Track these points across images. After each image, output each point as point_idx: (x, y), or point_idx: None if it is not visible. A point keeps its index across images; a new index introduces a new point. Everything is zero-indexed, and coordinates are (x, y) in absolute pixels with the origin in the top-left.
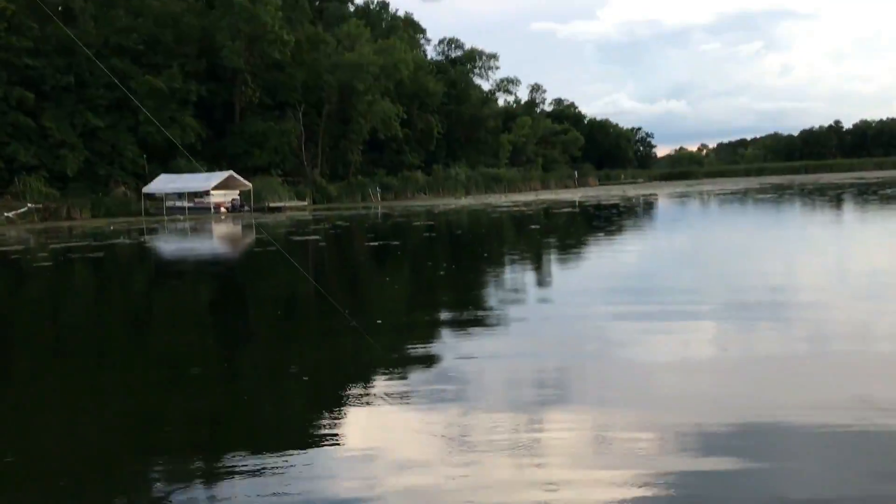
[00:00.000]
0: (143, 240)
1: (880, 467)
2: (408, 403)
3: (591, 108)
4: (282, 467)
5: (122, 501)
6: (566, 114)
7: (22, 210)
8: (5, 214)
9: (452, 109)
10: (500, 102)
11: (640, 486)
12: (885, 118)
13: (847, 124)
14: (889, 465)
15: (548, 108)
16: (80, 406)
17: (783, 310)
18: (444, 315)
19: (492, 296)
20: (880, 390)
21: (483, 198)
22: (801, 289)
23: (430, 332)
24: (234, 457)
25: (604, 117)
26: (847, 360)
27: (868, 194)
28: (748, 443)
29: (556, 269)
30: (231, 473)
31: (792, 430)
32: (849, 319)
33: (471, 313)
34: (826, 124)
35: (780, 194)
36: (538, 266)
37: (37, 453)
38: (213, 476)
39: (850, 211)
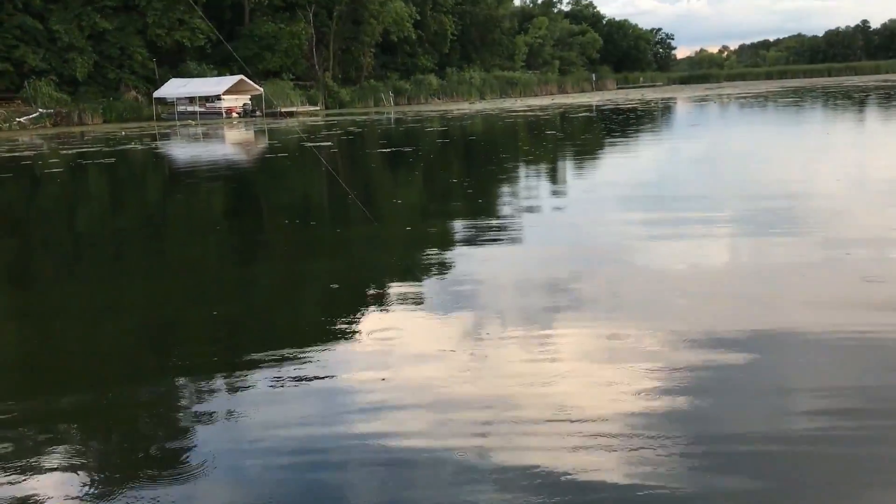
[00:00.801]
0: (155, 145)
1: (885, 362)
2: (420, 306)
3: (610, 9)
4: (299, 362)
5: (146, 402)
6: (584, 14)
7: (33, 115)
8: (17, 120)
9: (466, 10)
10: (516, 2)
11: (649, 384)
12: None
13: (875, 24)
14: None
15: (565, 7)
16: (99, 312)
17: (798, 216)
18: (455, 222)
19: (504, 204)
20: (892, 296)
21: (498, 102)
22: (818, 195)
23: (441, 239)
24: (252, 355)
25: (622, 18)
26: (861, 266)
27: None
28: (756, 343)
29: (571, 176)
30: (250, 369)
31: (801, 332)
32: (865, 226)
33: (482, 221)
34: (853, 24)
35: (802, 98)
36: (552, 173)
37: (59, 357)
38: (232, 377)
39: (873, 116)
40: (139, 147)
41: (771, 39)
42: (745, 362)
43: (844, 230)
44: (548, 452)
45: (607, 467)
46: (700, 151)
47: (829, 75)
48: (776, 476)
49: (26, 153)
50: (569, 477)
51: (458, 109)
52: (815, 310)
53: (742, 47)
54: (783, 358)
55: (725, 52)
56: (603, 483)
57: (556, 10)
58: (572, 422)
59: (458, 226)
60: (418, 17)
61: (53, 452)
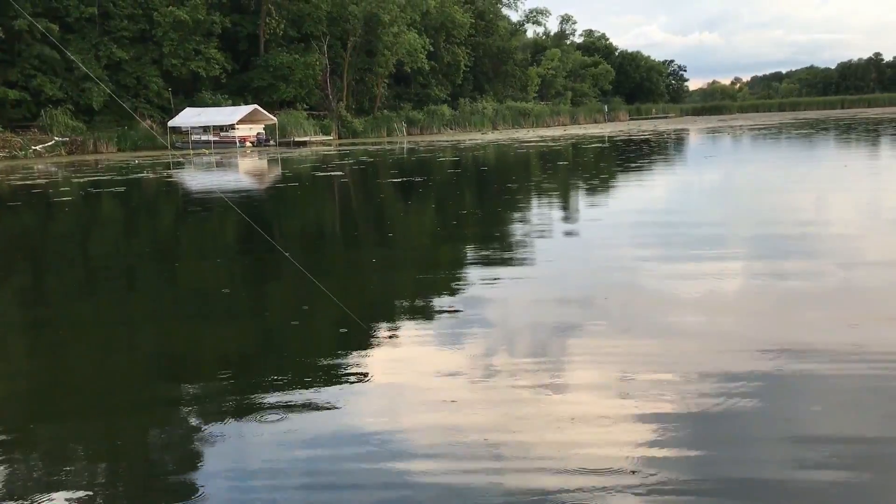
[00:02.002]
0: (167, 174)
1: None
2: (431, 337)
3: (622, 41)
4: (309, 396)
5: (153, 427)
6: (596, 46)
7: (49, 143)
8: (33, 148)
9: (480, 42)
10: (529, 34)
11: (662, 421)
12: None
13: (887, 56)
14: None
15: (578, 39)
16: (111, 339)
17: (811, 246)
18: (466, 251)
19: (516, 233)
20: None
21: (510, 133)
22: (832, 225)
23: (451, 268)
24: (260, 385)
25: (635, 49)
26: (874, 298)
27: None
28: (772, 380)
29: (583, 207)
30: (258, 402)
31: (815, 369)
32: (879, 257)
33: (494, 250)
34: (865, 56)
35: (816, 130)
36: (564, 204)
37: (69, 383)
38: (241, 405)
39: (887, 149)
40: (151, 176)
41: (783, 71)
42: (758, 400)
43: (862, 263)
44: (557, 482)
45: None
46: (715, 183)
47: (843, 107)
48: None
49: (39, 181)
50: None
51: (471, 140)
52: (830, 344)
53: (754, 79)
54: (797, 396)
55: (738, 84)
56: None
57: (568, 42)
58: (581, 453)
59: (467, 256)
60: (432, 49)
61: (59, 477)
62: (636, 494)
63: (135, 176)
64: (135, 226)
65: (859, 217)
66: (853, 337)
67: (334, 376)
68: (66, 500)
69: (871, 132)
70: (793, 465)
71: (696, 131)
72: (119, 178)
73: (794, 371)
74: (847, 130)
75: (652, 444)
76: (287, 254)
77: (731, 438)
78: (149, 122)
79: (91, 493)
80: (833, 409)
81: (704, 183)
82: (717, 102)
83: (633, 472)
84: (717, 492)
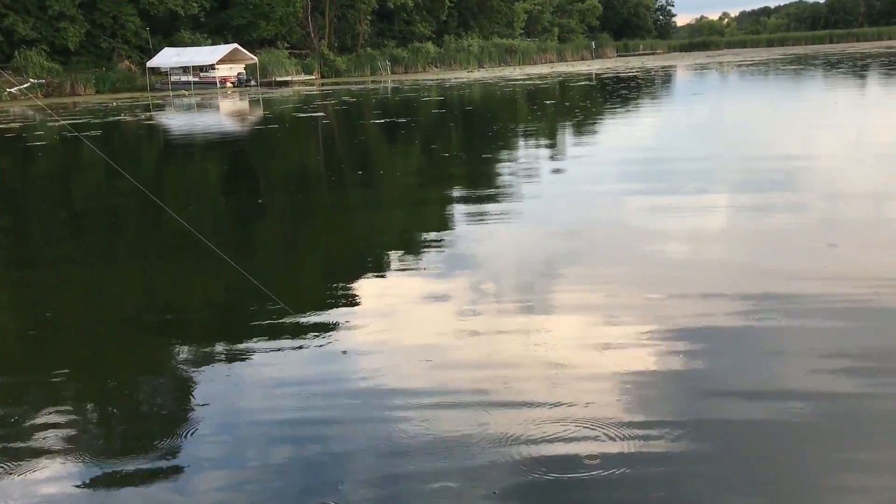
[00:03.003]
0: (145, 116)
1: (879, 335)
2: (417, 275)
3: None
4: (295, 337)
5: (143, 372)
6: None
7: (25, 86)
8: (8, 90)
9: None
10: None
11: (647, 353)
12: None
13: None
14: (887, 332)
15: None
16: (97, 283)
17: (796, 181)
18: (451, 191)
19: (502, 172)
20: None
21: (496, 70)
22: (816, 160)
23: (436, 207)
24: (250, 326)
25: None
26: (855, 231)
27: None
28: (755, 307)
29: (571, 144)
30: (246, 346)
31: (796, 296)
32: (861, 191)
33: (480, 189)
34: None
35: (805, 66)
36: (552, 141)
37: (57, 329)
38: (231, 349)
39: (879, 84)
40: (128, 118)
41: (771, 6)
42: (741, 325)
43: (846, 196)
44: (544, 415)
45: (603, 426)
46: (703, 121)
47: (831, 42)
48: (771, 436)
49: (13, 125)
50: (563, 443)
51: (456, 78)
52: (805, 274)
53: (742, 14)
54: (779, 321)
55: (726, 20)
56: (597, 443)
57: None
58: (568, 385)
59: (452, 195)
60: None
61: (49, 426)
62: (621, 425)
63: (112, 119)
64: (105, 173)
65: (847, 152)
66: (834, 263)
67: (320, 318)
68: (55, 442)
69: (860, 68)
70: (777, 389)
71: (683, 68)
72: (96, 121)
73: (777, 296)
74: (835, 66)
75: (637, 376)
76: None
77: (715, 365)
78: (127, 62)
79: (78, 435)
80: (813, 331)
81: (692, 121)
82: (705, 38)
83: (618, 402)
84: (702, 422)
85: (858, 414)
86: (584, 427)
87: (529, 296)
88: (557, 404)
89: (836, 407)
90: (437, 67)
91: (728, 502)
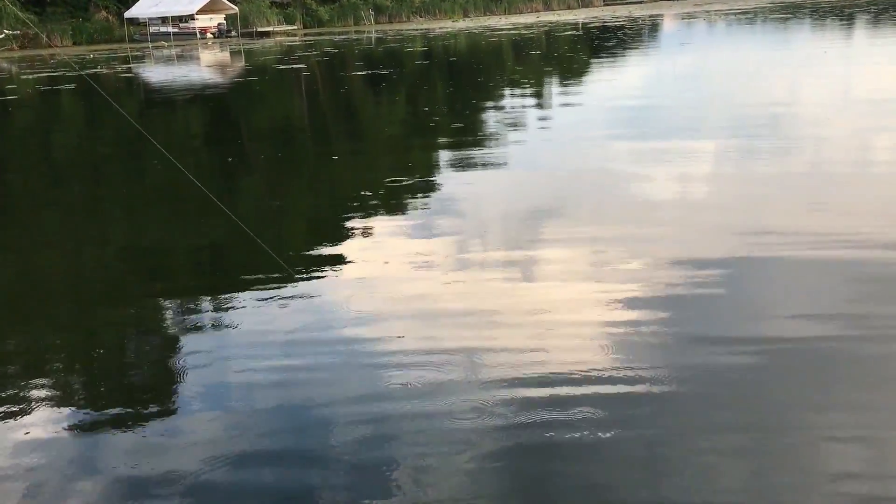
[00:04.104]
0: (121, 69)
1: (856, 292)
2: (406, 229)
3: None
4: (282, 290)
5: (129, 328)
6: None
7: None
8: None
9: None
10: None
11: (634, 306)
12: None
13: None
14: (864, 289)
15: None
16: (81, 237)
17: (782, 141)
18: (436, 143)
19: (487, 123)
20: (870, 223)
21: (482, 20)
22: (802, 113)
23: (421, 159)
24: (235, 281)
25: None
26: (840, 183)
27: (888, 13)
28: (737, 268)
29: (557, 95)
30: (233, 296)
31: (781, 258)
32: (845, 140)
33: (465, 142)
34: None
35: (792, 15)
36: (538, 93)
37: (42, 283)
38: (218, 298)
39: (863, 34)
40: (105, 71)
41: None
42: (726, 282)
43: (832, 145)
44: (529, 361)
45: (589, 370)
46: (691, 71)
47: None
48: (751, 379)
49: None
50: (550, 385)
51: (441, 28)
52: (794, 235)
53: None
54: (764, 275)
55: None
56: (583, 387)
57: None
58: (555, 342)
59: (437, 148)
60: None
61: (36, 379)
62: (606, 380)
63: (89, 72)
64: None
65: (833, 99)
66: (819, 225)
67: (307, 270)
68: (42, 389)
69: (847, 17)
70: (759, 348)
71: (671, 17)
72: (71, 73)
73: (762, 250)
74: (824, 16)
75: (621, 324)
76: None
77: (699, 319)
78: (104, 13)
79: (64, 396)
80: (797, 288)
81: (679, 71)
82: None
83: (605, 355)
84: (686, 377)
85: (838, 361)
86: (568, 372)
87: (515, 244)
88: (541, 350)
89: (812, 354)
90: (421, 17)
91: (707, 441)
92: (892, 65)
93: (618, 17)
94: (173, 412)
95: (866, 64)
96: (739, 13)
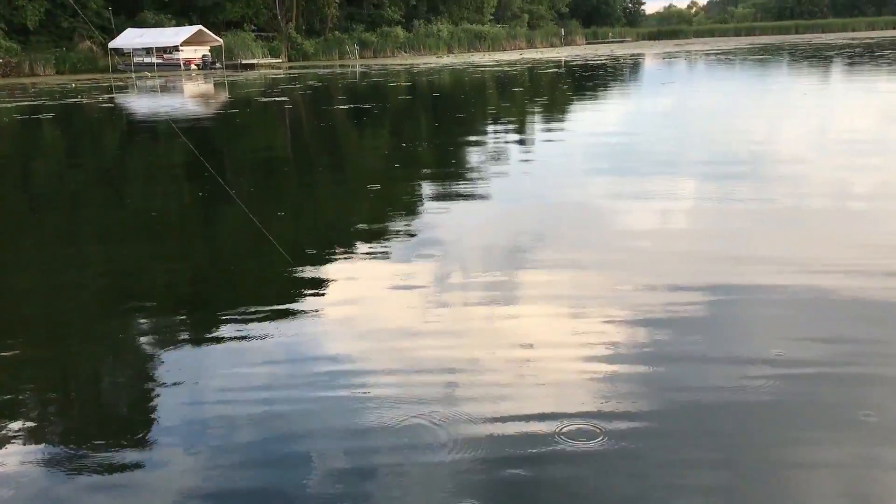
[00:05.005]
0: (102, 99)
1: (834, 326)
2: (387, 260)
3: None
4: (264, 324)
5: (105, 357)
6: None
7: None
8: None
9: None
10: None
11: (612, 344)
12: None
13: None
14: (843, 322)
15: None
16: (59, 265)
17: (761, 177)
18: (418, 177)
19: (470, 160)
20: (844, 252)
21: (466, 56)
22: (782, 156)
23: (403, 194)
24: (215, 314)
25: None
26: (817, 218)
27: (864, 56)
28: (719, 299)
29: (539, 132)
30: (213, 331)
31: (760, 288)
32: (824, 177)
33: (447, 175)
34: None
35: (773, 55)
36: (520, 129)
37: (16, 311)
38: (196, 334)
39: (846, 75)
40: (87, 101)
41: None
42: (707, 318)
43: (802, 187)
44: (509, 395)
45: (568, 406)
46: (674, 113)
47: (797, 32)
48: (734, 421)
49: None
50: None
51: (425, 63)
52: (772, 265)
53: (710, 3)
54: (742, 312)
55: (694, 8)
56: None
57: None
58: (537, 376)
59: (419, 182)
60: None
61: (6, 405)
62: (588, 416)
63: (69, 101)
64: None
65: (813, 139)
66: (797, 255)
67: (286, 303)
68: (15, 429)
69: (825, 59)
70: (739, 381)
71: (652, 56)
72: (51, 102)
73: (740, 287)
74: (803, 57)
75: (603, 359)
76: (232, 192)
77: (680, 356)
78: (88, 42)
79: (40, 421)
80: (774, 324)
81: (661, 110)
82: (674, 27)
83: (586, 395)
84: (669, 411)
85: (818, 396)
86: (549, 408)
87: (497, 276)
88: (524, 386)
89: (793, 387)
90: (406, 52)
91: (687, 476)
92: (867, 106)
93: (599, 56)
94: (146, 445)
95: (844, 105)
96: (719, 53)
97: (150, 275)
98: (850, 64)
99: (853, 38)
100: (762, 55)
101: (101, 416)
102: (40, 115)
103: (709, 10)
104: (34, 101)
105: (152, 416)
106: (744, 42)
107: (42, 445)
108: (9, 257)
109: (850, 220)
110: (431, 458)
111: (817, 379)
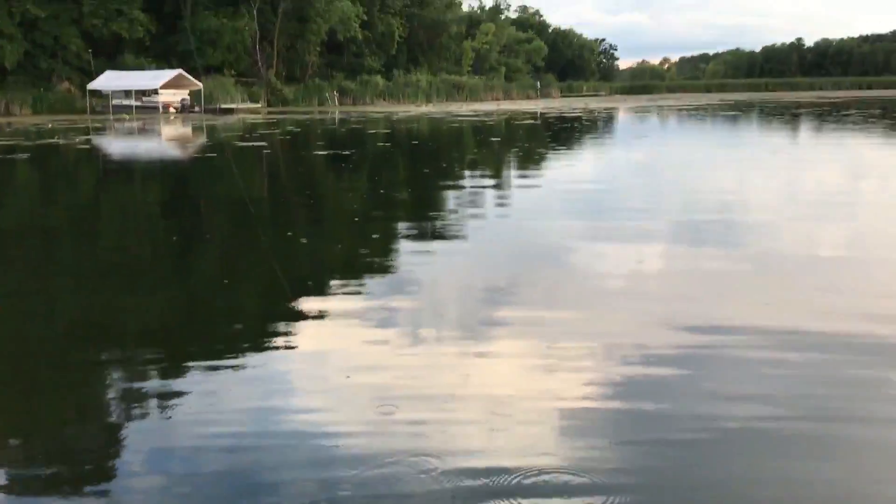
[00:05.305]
0: (77, 140)
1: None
2: (358, 310)
3: (555, 18)
4: (236, 371)
5: (76, 402)
6: (530, 22)
7: None
8: None
9: (415, 13)
10: (465, 7)
11: (587, 396)
12: (844, 37)
13: (808, 42)
14: (820, 379)
15: (512, 15)
16: (29, 310)
17: (732, 228)
18: (393, 227)
19: (445, 209)
20: (820, 306)
21: (444, 106)
22: (752, 207)
23: (379, 242)
24: (187, 362)
25: (567, 27)
26: (790, 279)
27: (830, 117)
28: (692, 355)
29: (514, 184)
30: (185, 378)
31: (732, 342)
32: (795, 240)
33: (421, 226)
34: (788, 41)
35: (743, 113)
36: (496, 179)
37: None
38: (167, 382)
39: (807, 133)
40: (62, 142)
41: (710, 53)
42: (678, 378)
43: (773, 242)
44: (481, 449)
45: (536, 454)
46: (638, 161)
47: (767, 89)
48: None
49: None
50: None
51: (404, 111)
52: (746, 318)
53: (682, 59)
54: (714, 369)
55: (667, 65)
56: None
57: (503, 17)
58: (509, 429)
59: (395, 232)
60: (365, 18)
61: None
62: (552, 469)
63: (45, 141)
64: (55, 193)
65: (783, 196)
66: (767, 315)
67: (259, 349)
68: None
69: (793, 118)
70: (713, 425)
71: (626, 110)
72: (26, 142)
73: (711, 345)
74: (772, 115)
75: (579, 413)
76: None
77: (654, 401)
78: (67, 84)
79: (4, 458)
80: (747, 383)
81: (635, 164)
82: (647, 82)
83: (559, 440)
84: (636, 468)
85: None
86: (521, 464)
87: (470, 326)
88: (495, 438)
89: (775, 439)
90: (385, 100)
91: None
92: (833, 161)
93: (574, 109)
94: (116, 483)
95: (813, 162)
96: (691, 109)
97: (123, 314)
98: (818, 121)
99: (820, 97)
100: (733, 111)
101: (65, 452)
102: (14, 156)
103: (680, 66)
104: (9, 140)
105: (121, 454)
106: (715, 98)
107: (5, 483)
108: None
109: (817, 267)
110: None
111: (788, 424)
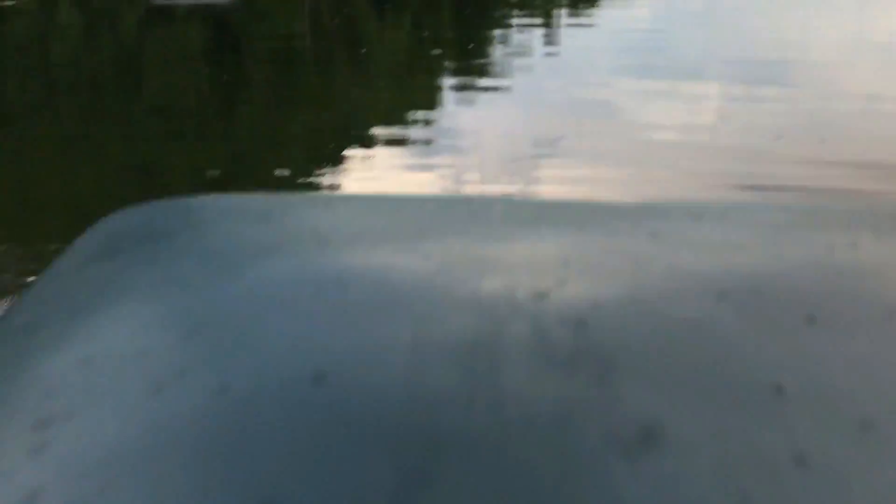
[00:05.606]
0: None
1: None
2: (405, 149)
3: None
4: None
5: None
6: None
7: None
8: None
9: None
10: None
11: None
12: None
13: None
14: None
15: None
16: (75, 155)
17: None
18: (435, 69)
19: (487, 48)
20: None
21: None
22: (816, 50)
23: (421, 84)
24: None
25: None
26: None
27: None
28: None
29: (564, 27)
30: None
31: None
32: (858, 81)
33: (467, 75)
34: None
35: None
36: (545, 23)
37: (34, 202)
38: None
39: None
40: None
41: None
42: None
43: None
44: None
45: None
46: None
47: None
48: None
49: None
50: None
51: None
52: (793, 163)
53: None
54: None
55: None
56: None
57: None
58: None
59: (437, 74)
60: None
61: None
62: None
63: None
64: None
65: (852, 46)
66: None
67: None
68: None
69: None
70: None
71: None
72: None
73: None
74: None
75: None
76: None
77: None
78: None
79: None
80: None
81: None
82: None
83: None
84: None
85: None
86: None
87: (514, 178)
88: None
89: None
90: None
91: None
92: None
93: None
94: None
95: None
96: None
97: (168, 155)
98: None
99: None
100: None
101: None
102: None
103: None
104: None
105: None
106: None
107: None
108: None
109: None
110: None
111: None
